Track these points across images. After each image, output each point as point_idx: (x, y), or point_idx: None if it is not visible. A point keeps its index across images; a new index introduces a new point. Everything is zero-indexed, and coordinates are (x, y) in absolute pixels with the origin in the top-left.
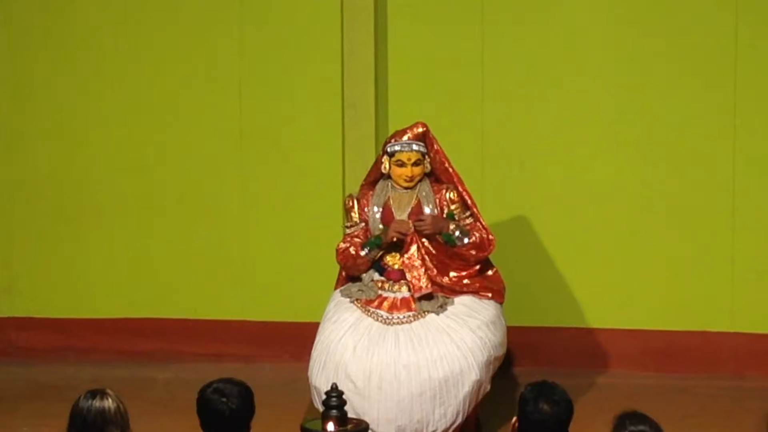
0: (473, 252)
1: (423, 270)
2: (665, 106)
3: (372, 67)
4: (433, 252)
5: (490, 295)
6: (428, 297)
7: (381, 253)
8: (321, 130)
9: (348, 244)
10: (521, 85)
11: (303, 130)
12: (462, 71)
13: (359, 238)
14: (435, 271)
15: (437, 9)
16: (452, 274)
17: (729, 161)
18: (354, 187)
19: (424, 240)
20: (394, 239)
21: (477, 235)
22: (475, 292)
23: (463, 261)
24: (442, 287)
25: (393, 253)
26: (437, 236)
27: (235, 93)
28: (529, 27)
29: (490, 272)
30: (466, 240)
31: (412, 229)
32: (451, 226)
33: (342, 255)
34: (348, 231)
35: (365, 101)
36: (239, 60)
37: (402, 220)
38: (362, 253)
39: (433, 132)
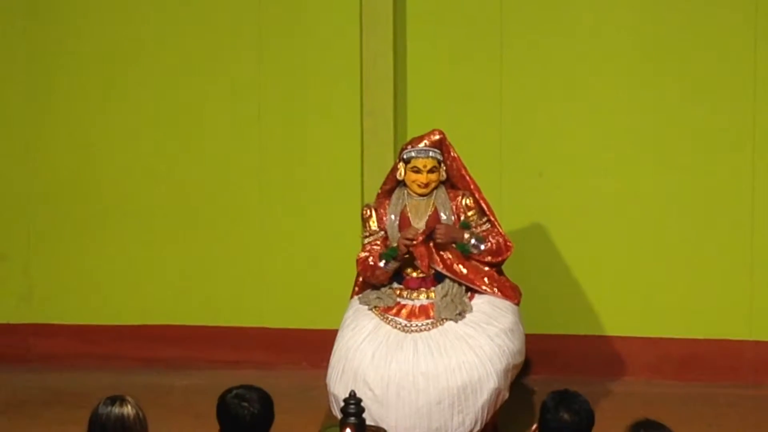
0: (489, 258)
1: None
2: (684, 115)
3: (391, 76)
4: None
5: (496, 290)
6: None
7: (399, 265)
8: (340, 138)
9: (368, 254)
10: (540, 93)
11: (322, 139)
12: (481, 80)
13: (378, 246)
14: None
15: (456, 17)
16: (469, 276)
17: (748, 169)
18: (372, 195)
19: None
20: (406, 248)
21: (493, 240)
22: (494, 293)
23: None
24: (455, 274)
25: (413, 264)
26: (452, 245)
27: (254, 101)
28: (548, 36)
29: (503, 277)
30: (482, 246)
31: (420, 232)
32: (466, 235)
33: (362, 265)
34: (367, 240)
35: (384, 109)
36: (258, 69)
37: (409, 228)
38: (381, 264)
39: (452, 140)
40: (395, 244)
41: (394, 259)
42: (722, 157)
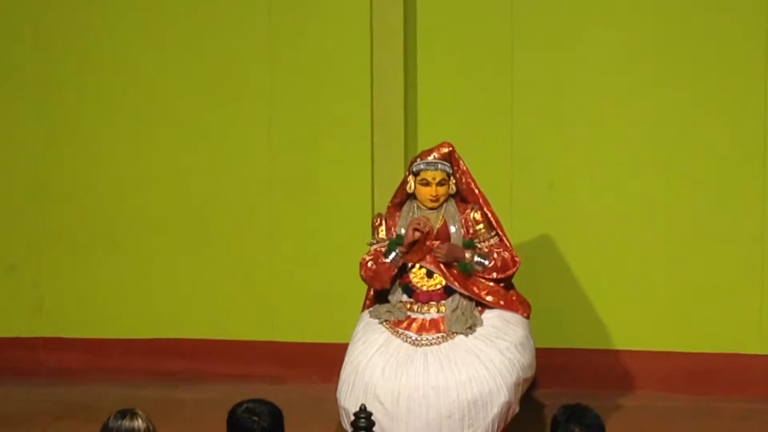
0: (495, 274)
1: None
2: (694, 126)
3: (401, 89)
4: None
5: (502, 303)
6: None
7: (404, 255)
8: (350, 150)
9: (371, 256)
10: (551, 105)
11: (332, 151)
12: (492, 92)
13: (383, 252)
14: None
15: (467, 30)
16: (474, 289)
17: (759, 181)
18: (382, 208)
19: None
20: (416, 236)
21: (498, 257)
22: (500, 305)
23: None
24: (466, 287)
25: (421, 275)
26: (454, 265)
27: (265, 114)
28: (558, 48)
29: (512, 291)
30: (486, 263)
31: (429, 224)
32: (467, 255)
33: (365, 267)
34: (373, 247)
35: (395, 122)
36: (269, 82)
37: (419, 216)
38: (387, 260)
39: (463, 153)
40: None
41: (400, 246)
42: (733, 170)
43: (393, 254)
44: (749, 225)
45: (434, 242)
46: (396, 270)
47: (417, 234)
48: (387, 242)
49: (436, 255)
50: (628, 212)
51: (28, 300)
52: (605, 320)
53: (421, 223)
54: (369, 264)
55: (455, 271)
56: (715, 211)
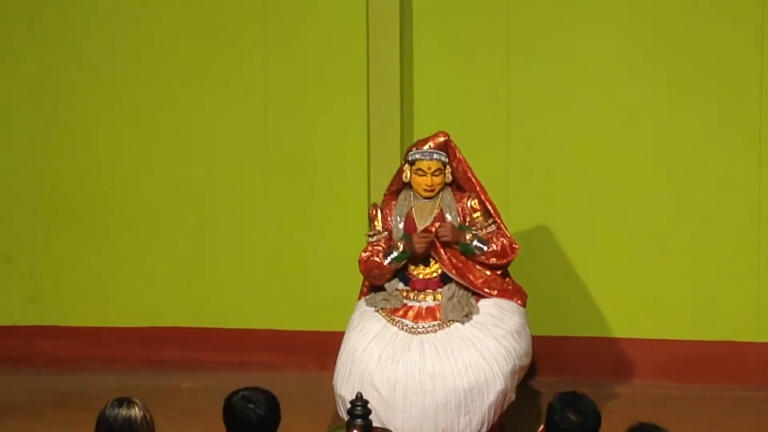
0: (494, 260)
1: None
2: (690, 116)
3: (397, 77)
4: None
5: (495, 292)
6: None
7: (404, 263)
8: (346, 139)
9: (370, 253)
10: (547, 94)
11: (328, 140)
12: (488, 80)
13: (381, 246)
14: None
15: (463, 18)
16: (469, 277)
17: (755, 170)
18: (379, 196)
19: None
20: (423, 248)
21: (497, 243)
22: (497, 294)
23: (484, 268)
24: (462, 276)
25: (417, 264)
26: (455, 246)
27: (261, 102)
28: (555, 37)
29: (508, 279)
30: (485, 248)
31: (432, 237)
32: (468, 236)
33: (365, 264)
34: (371, 240)
35: (391, 111)
36: (265, 70)
37: (421, 233)
38: (386, 262)
39: (459, 141)
40: (401, 246)
41: (404, 260)
42: (729, 159)
43: (393, 256)
44: (745, 213)
45: (436, 223)
46: (395, 273)
47: (427, 241)
48: (384, 234)
49: (441, 233)
50: (624, 201)
51: (24, 289)
52: (601, 308)
53: (426, 237)
54: (368, 261)
55: (454, 259)
56: (711, 199)
